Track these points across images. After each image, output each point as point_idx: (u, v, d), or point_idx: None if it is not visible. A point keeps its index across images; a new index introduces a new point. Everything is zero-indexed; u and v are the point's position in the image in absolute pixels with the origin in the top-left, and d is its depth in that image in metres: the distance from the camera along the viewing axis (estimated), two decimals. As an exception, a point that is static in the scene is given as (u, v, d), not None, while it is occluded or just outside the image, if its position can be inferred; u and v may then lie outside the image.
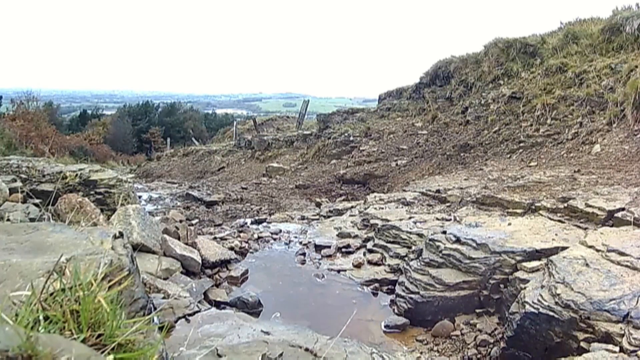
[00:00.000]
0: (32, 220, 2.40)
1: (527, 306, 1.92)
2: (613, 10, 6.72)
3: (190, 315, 1.76)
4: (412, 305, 2.44)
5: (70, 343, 0.67)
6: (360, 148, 7.98)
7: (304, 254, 3.23)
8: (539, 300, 1.91)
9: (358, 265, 3.00)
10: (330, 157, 8.47)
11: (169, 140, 22.15)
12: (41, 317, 0.85)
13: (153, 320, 1.43)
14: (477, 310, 2.36)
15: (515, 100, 6.51)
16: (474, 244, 2.52)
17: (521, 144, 5.59)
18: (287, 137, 11.70)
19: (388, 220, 3.39)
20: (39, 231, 1.45)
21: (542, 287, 2.00)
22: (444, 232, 2.78)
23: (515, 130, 5.96)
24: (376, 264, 3.01)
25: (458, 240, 2.61)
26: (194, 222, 4.34)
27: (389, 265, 2.94)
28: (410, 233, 3.09)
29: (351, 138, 8.53)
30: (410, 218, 3.43)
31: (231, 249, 3.16)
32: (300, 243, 3.46)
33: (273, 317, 2.40)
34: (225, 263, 2.92)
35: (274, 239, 3.57)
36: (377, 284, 2.80)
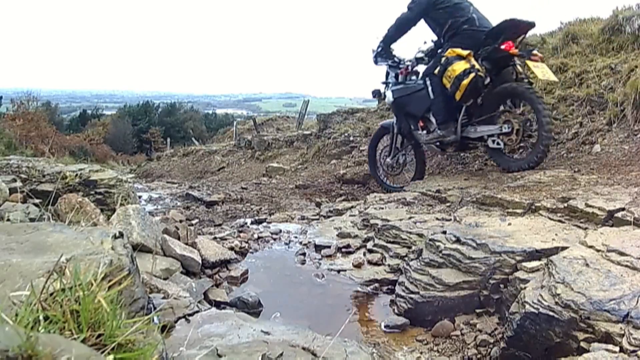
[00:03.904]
0: (32, 220, 2.39)
1: (527, 306, 1.92)
2: (613, 10, 6.71)
3: (190, 315, 1.76)
4: (412, 305, 2.44)
5: (70, 343, 0.67)
6: (361, 148, 7.97)
7: (304, 254, 3.23)
8: (539, 300, 1.91)
9: (358, 265, 3.00)
10: (330, 157, 8.46)
11: (169, 140, 22.18)
12: (41, 317, 0.85)
13: (153, 320, 1.43)
14: (477, 310, 2.35)
15: (516, 100, 6.50)
16: (474, 244, 2.52)
17: (521, 144, 5.58)
18: (287, 137, 11.71)
19: (388, 220, 3.39)
20: (39, 231, 1.45)
21: (542, 287, 2.00)
22: (444, 232, 2.77)
23: (515, 130, 5.95)
24: (376, 264, 3.01)
25: (458, 240, 2.60)
26: (194, 222, 4.34)
27: (389, 265, 2.94)
28: (410, 233, 3.09)
29: (351, 138, 8.53)
30: (410, 218, 3.43)
31: (231, 249, 3.15)
32: (300, 243, 3.45)
33: (273, 317, 2.40)
34: (225, 263, 2.91)
35: (274, 239, 3.57)
36: (377, 284, 2.79)
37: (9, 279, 1.11)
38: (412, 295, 2.47)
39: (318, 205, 5.15)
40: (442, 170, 5.85)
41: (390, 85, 4.47)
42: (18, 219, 2.35)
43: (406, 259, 2.86)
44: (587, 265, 2.07)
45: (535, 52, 3.95)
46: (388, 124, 4.78)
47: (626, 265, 2.02)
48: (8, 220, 2.36)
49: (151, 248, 2.45)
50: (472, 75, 3.53)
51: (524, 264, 2.31)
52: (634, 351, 1.58)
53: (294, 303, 2.62)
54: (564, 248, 2.34)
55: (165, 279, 2.31)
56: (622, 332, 1.67)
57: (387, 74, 4.56)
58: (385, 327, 2.38)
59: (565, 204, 2.94)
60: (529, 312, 1.90)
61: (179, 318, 1.72)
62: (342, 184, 6.77)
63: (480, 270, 2.40)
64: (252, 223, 4.15)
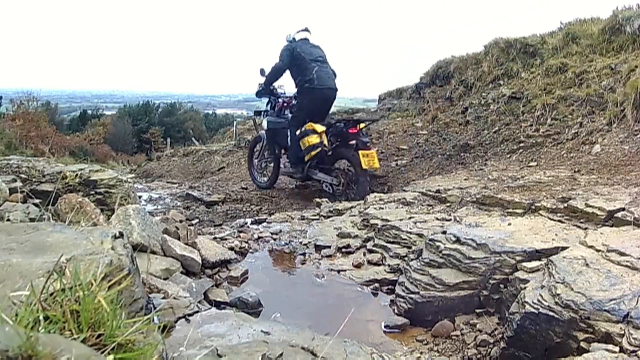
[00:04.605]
0: (32, 220, 2.39)
1: (527, 306, 1.92)
2: (613, 10, 6.72)
3: (190, 315, 1.76)
4: (412, 305, 2.44)
5: (70, 343, 0.67)
6: (360, 148, 7.96)
7: (304, 254, 3.23)
8: (539, 301, 1.91)
9: (358, 265, 3.00)
10: (330, 157, 8.45)
11: (169, 140, 22.13)
12: (41, 317, 0.85)
13: (153, 320, 1.43)
14: (477, 310, 2.36)
15: (515, 100, 6.51)
16: (474, 244, 2.52)
17: (521, 144, 5.59)
18: (287, 137, 11.68)
19: (388, 220, 3.39)
20: (39, 231, 1.45)
21: (542, 287, 2.00)
22: (444, 232, 2.77)
23: (515, 130, 5.96)
24: (376, 264, 3.01)
25: (458, 240, 2.60)
26: (194, 222, 4.34)
27: (389, 265, 2.94)
28: (410, 233, 3.09)
29: (351, 138, 8.52)
30: (410, 218, 3.43)
31: (231, 249, 3.15)
32: (300, 243, 3.45)
33: (273, 317, 2.40)
34: (225, 263, 2.91)
35: (274, 239, 3.57)
36: (377, 284, 2.79)
37: (9, 279, 1.11)
38: (412, 295, 2.47)
39: (318, 205, 5.14)
40: (442, 170, 5.85)
41: (268, 113, 5.72)
42: (18, 219, 2.35)
43: (406, 259, 2.86)
44: (587, 265, 2.07)
45: (369, 144, 5.08)
46: (262, 135, 6.03)
47: (626, 265, 2.02)
48: (8, 220, 2.36)
49: (151, 248, 2.45)
50: (319, 149, 4.93)
51: (524, 264, 2.31)
52: (634, 351, 1.58)
53: (294, 303, 2.62)
54: (564, 248, 2.34)
55: (165, 279, 2.31)
56: (622, 332, 1.67)
57: (269, 102, 5.76)
58: (385, 327, 2.38)
59: (565, 204, 2.94)
60: (529, 312, 1.90)
61: (179, 318, 1.72)
62: (342, 184, 6.76)
63: (480, 270, 2.40)
64: (252, 223, 4.15)
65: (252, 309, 2.41)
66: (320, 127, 4.91)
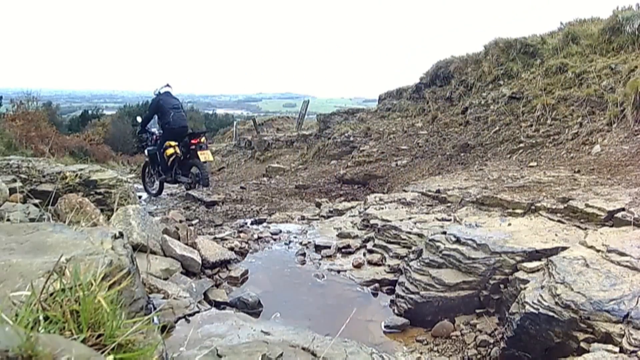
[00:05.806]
0: (32, 220, 2.39)
1: (527, 306, 1.92)
2: (613, 10, 6.73)
3: (190, 315, 1.76)
4: (412, 306, 2.44)
5: (70, 343, 0.67)
6: (360, 148, 7.98)
7: (304, 254, 3.23)
8: (539, 301, 1.91)
9: (358, 266, 3.00)
10: (330, 157, 8.47)
11: (169, 140, 22.07)
12: (41, 317, 0.85)
13: (153, 320, 1.43)
14: (477, 311, 2.36)
15: (515, 101, 6.51)
16: (474, 244, 2.52)
17: (521, 144, 5.59)
18: (287, 138, 11.72)
19: (388, 221, 3.39)
20: (39, 231, 1.45)
21: (542, 287, 2.00)
22: (444, 233, 2.77)
23: (515, 130, 5.97)
24: (376, 264, 3.01)
25: (458, 241, 2.61)
26: (194, 222, 4.34)
27: (389, 265, 2.94)
28: (410, 233, 3.09)
29: (351, 138, 8.54)
30: (410, 218, 3.43)
31: (231, 249, 3.15)
32: (300, 243, 3.46)
33: (273, 317, 2.40)
34: (225, 263, 2.91)
35: (274, 239, 3.57)
36: (377, 284, 2.80)
37: (9, 279, 1.11)
38: (412, 296, 2.47)
39: (318, 205, 5.15)
40: (442, 170, 5.85)
41: (148, 145, 7.63)
42: (18, 219, 2.35)
43: (406, 259, 2.87)
44: (587, 265, 2.07)
45: (203, 147, 7.01)
46: (147, 161, 8.10)
47: (626, 266, 2.02)
48: (8, 220, 2.36)
49: (151, 248, 2.45)
50: (174, 156, 6.97)
51: (524, 264, 2.31)
52: (634, 351, 1.58)
53: (294, 303, 2.63)
54: (564, 248, 2.34)
55: (165, 279, 2.31)
56: (622, 332, 1.67)
57: (147, 138, 7.73)
58: (385, 327, 2.39)
59: (565, 204, 2.94)
60: (529, 313, 1.90)
61: (179, 318, 1.72)
62: (342, 184, 6.77)
63: (480, 270, 2.40)
64: (252, 223, 4.16)
65: (252, 309, 2.42)
66: (173, 142, 7.05)
